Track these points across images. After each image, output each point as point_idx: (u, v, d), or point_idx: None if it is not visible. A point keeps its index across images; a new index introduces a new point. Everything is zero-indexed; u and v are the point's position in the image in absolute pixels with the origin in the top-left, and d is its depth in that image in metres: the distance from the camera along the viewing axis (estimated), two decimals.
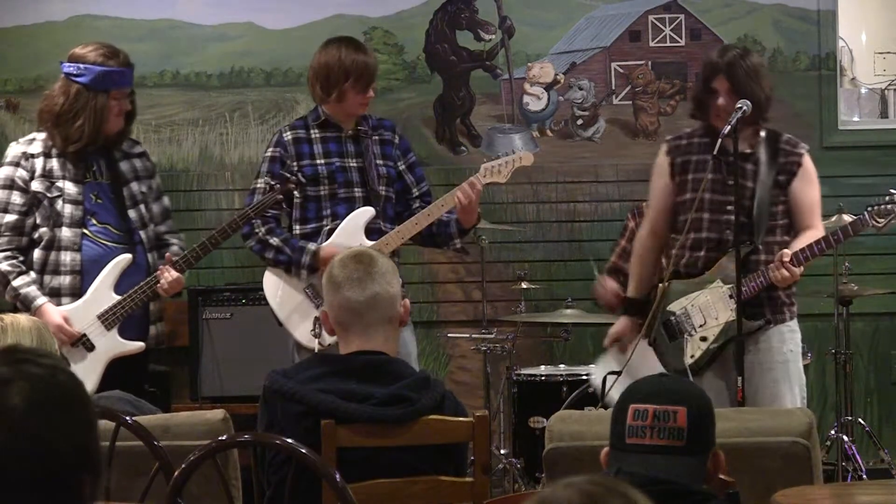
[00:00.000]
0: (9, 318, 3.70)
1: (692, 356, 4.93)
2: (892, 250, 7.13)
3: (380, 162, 5.19)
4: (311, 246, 5.07)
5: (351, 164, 5.17)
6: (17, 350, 1.83)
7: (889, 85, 7.46)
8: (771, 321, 4.89)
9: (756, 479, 3.81)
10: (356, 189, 5.15)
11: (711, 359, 4.93)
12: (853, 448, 6.19)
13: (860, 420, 6.47)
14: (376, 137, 5.23)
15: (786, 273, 4.76)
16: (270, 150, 5.22)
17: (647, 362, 5.07)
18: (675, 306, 4.98)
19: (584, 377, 5.89)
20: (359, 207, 5.12)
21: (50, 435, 1.76)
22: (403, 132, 5.52)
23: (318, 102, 5.21)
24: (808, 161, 4.96)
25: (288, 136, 5.20)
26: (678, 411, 2.56)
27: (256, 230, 5.14)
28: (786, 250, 4.79)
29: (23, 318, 3.75)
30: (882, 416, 7.12)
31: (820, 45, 7.20)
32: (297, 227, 5.17)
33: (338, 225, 5.10)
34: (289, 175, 5.07)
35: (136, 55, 7.11)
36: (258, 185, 5.18)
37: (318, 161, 5.15)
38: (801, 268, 4.79)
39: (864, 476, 6.09)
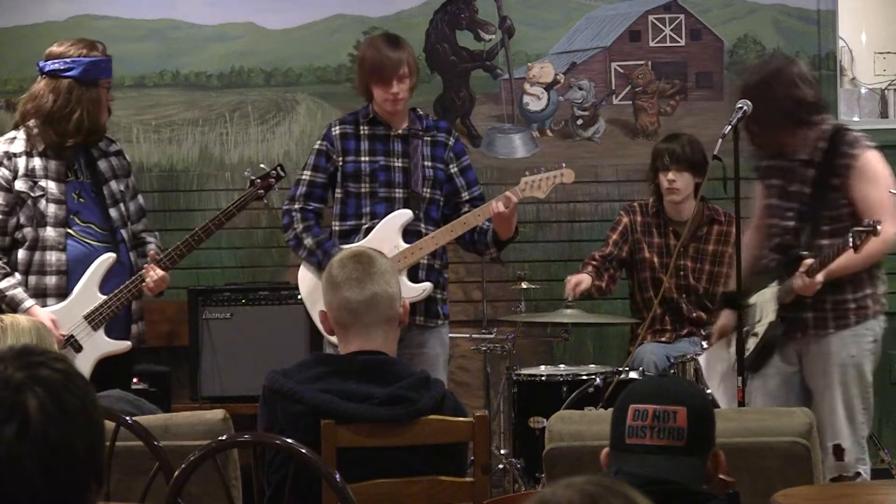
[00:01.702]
0: (9, 318, 3.70)
1: (748, 349, 4.94)
2: (892, 250, 7.11)
3: (427, 163, 5.19)
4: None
5: (396, 164, 5.18)
6: (32, 353, 1.82)
7: (889, 85, 7.46)
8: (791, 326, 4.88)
9: (756, 479, 3.81)
10: (397, 190, 5.17)
11: (763, 356, 4.92)
12: None
13: None
14: (428, 138, 5.24)
15: (799, 283, 4.76)
16: (318, 143, 5.28)
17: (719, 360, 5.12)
18: (752, 300, 4.98)
19: (584, 377, 5.89)
20: (398, 208, 5.13)
21: (64, 440, 1.76)
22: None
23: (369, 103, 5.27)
24: (865, 160, 4.83)
25: (336, 130, 5.24)
26: (678, 411, 2.56)
27: (295, 225, 5.19)
28: (808, 259, 4.78)
29: (22, 319, 3.75)
30: (882, 416, 7.11)
31: (820, 45, 7.20)
32: (337, 223, 5.21)
33: (376, 224, 5.12)
34: (269, 170, 5.10)
35: (136, 55, 7.17)
36: (303, 177, 5.24)
37: (363, 158, 5.18)
38: (820, 277, 4.75)
39: None
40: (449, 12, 7.22)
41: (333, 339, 4.93)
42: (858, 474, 4.76)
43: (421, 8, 7.23)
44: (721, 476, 2.61)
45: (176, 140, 7.23)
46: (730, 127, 4.72)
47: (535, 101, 7.26)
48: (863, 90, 7.49)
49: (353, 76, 5.40)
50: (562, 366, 6.35)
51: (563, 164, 5.29)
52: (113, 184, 5.14)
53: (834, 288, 4.81)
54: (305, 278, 5.26)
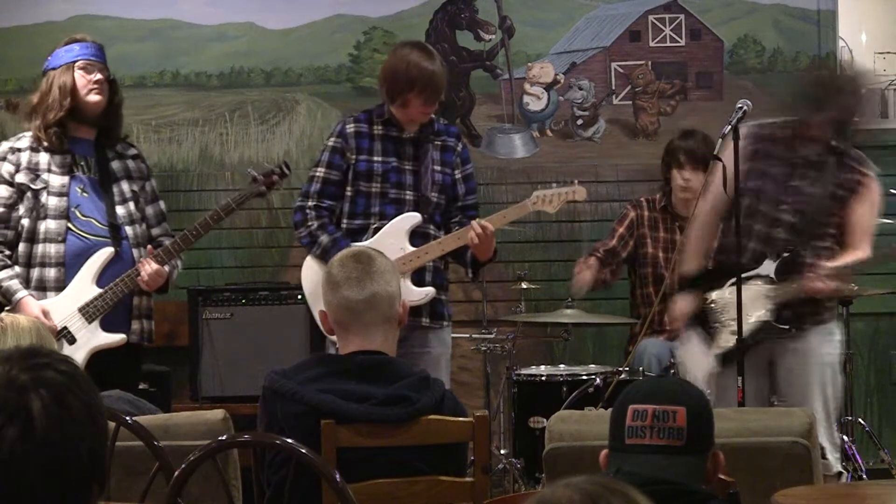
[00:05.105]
0: (9, 318, 3.69)
1: (720, 347, 4.92)
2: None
3: (437, 168, 5.20)
4: None
5: (406, 167, 5.18)
6: (36, 354, 1.82)
7: (889, 85, 7.46)
8: (795, 329, 4.87)
9: (756, 479, 3.80)
10: (407, 192, 5.17)
11: (739, 354, 4.90)
12: (853, 448, 6.19)
13: (860, 420, 6.48)
14: (438, 143, 5.23)
15: (821, 285, 4.76)
16: (332, 140, 5.25)
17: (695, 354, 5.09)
18: (715, 294, 4.96)
19: (584, 377, 5.89)
20: (408, 210, 5.14)
21: (68, 443, 1.75)
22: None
23: (384, 102, 5.22)
24: (871, 183, 4.94)
25: (350, 128, 5.22)
26: (677, 411, 2.56)
27: (309, 222, 5.17)
28: (827, 263, 4.79)
29: (23, 319, 3.75)
30: (882, 416, 7.12)
31: (820, 45, 7.20)
32: (346, 220, 5.22)
33: (384, 224, 5.12)
34: (273, 168, 5.09)
35: (136, 55, 7.17)
36: (317, 174, 5.22)
37: (375, 158, 5.18)
38: (835, 283, 4.78)
39: (864, 476, 6.08)
40: (449, 12, 7.22)
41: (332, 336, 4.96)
42: (841, 473, 4.77)
43: (421, 8, 7.23)
44: (721, 476, 2.61)
45: (176, 140, 7.23)
46: (730, 127, 4.72)
47: (535, 101, 7.26)
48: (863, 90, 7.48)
49: (376, 73, 5.32)
50: (562, 366, 6.35)
51: (576, 182, 5.28)
52: (124, 183, 5.18)
53: None
54: (310, 275, 5.23)
